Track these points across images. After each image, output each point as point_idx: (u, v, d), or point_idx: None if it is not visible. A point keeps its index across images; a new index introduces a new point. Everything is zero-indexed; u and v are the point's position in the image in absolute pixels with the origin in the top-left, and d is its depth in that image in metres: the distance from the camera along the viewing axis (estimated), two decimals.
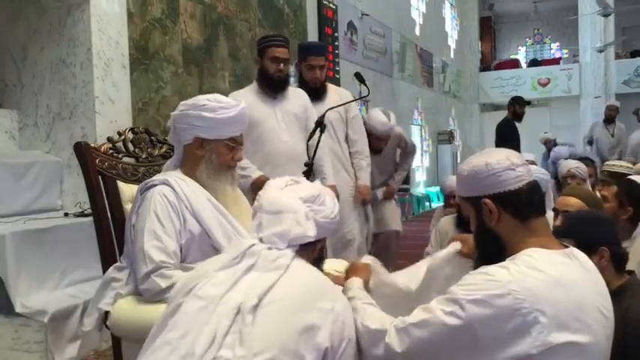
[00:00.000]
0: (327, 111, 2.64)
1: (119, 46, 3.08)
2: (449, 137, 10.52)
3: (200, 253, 1.75)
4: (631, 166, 4.11)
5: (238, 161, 1.84)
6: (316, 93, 3.17)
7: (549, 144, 8.10)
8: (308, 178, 2.51)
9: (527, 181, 1.24)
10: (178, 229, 1.71)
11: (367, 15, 6.92)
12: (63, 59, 2.99)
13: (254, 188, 3.23)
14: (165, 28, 3.48)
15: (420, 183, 9.63)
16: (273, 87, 2.84)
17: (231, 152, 1.81)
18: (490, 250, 1.24)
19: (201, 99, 1.77)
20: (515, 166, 1.23)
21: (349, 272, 1.49)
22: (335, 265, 2.07)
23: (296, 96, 2.93)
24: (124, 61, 3.11)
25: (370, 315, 1.26)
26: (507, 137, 6.51)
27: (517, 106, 6.69)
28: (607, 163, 4.20)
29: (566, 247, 1.23)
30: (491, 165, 1.23)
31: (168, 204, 1.71)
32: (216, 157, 1.79)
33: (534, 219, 1.23)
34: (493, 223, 1.23)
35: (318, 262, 1.35)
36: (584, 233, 1.63)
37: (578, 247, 1.59)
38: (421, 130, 9.74)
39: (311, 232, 1.23)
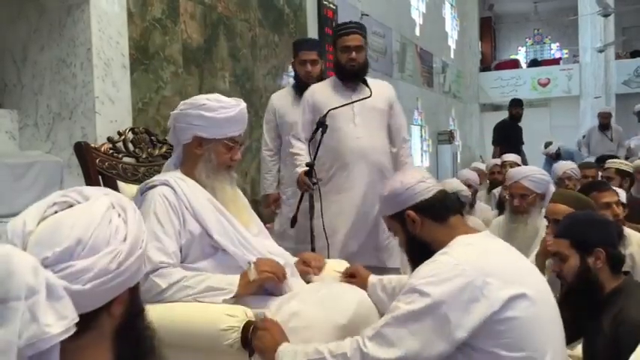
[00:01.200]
0: (329, 111, 2.62)
1: (119, 46, 3.07)
2: (449, 137, 10.51)
3: (201, 253, 1.76)
4: (629, 163, 4.14)
5: (237, 161, 1.84)
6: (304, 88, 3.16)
7: (552, 154, 8.02)
8: (310, 179, 2.51)
9: (437, 190, 1.49)
10: (178, 229, 1.71)
11: (367, 15, 6.92)
12: (63, 59, 2.98)
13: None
14: (165, 28, 3.48)
15: None
16: (346, 78, 2.75)
17: (229, 152, 1.81)
18: (422, 255, 1.42)
19: (201, 98, 1.78)
20: (424, 179, 1.49)
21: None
22: (335, 265, 2.07)
23: (381, 89, 2.82)
24: (124, 61, 3.11)
25: (332, 347, 1.37)
26: (505, 137, 6.68)
27: (512, 108, 6.94)
28: (610, 161, 4.22)
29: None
30: (405, 182, 1.48)
31: (168, 205, 1.71)
32: (214, 157, 1.80)
33: (451, 217, 1.47)
34: (417, 230, 1.46)
35: (125, 331, 0.83)
36: (579, 234, 1.67)
37: (573, 247, 1.64)
38: (421, 130, 9.73)
39: (57, 327, 0.70)
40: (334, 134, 2.73)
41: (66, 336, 0.72)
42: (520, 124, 7.48)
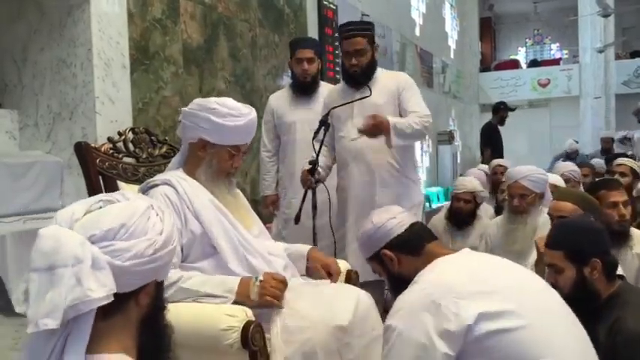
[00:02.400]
0: (332, 109, 2.61)
1: (119, 46, 3.08)
2: (449, 138, 10.51)
3: (201, 252, 1.76)
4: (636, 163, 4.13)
5: (237, 168, 1.84)
6: (307, 88, 3.15)
7: (573, 154, 7.95)
8: (312, 176, 2.50)
9: (408, 223, 1.49)
10: (179, 228, 1.71)
11: (367, 15, 6.92)
12: (63, 59, 2.99)
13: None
14: (165, 28, 3.49)
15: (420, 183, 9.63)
16: (349, 81, 2.75)
17: (231, 159, 1.81)
18: (403, 289, 1.37)
19: (212, 102, 1.77)
20: (395, 215, 1.50)
21: None
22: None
23: (388, 82, 2.72)
24: (125, 61, 3.11)
25: None
26: (495, 140, 6.77)
27: (504, 111, 6.97)
28: (623, 159, 4.19)
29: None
30: (375, 222, 1.50)
31: (169, 204, 1.71)
32: (216, 162, 1.79)
33: (427, 245, 1.45)
34: (396, 268, 1.45)
35: (149, 323, 0.92)
36: (572, 245, 1.63)
37: (568, 259, 1.60)
38: None
39: (99, 292, 0.80)
40: (335, 135, 2.78)
41: (105, 302, 0.81)
42: (519, 124, 7.55)
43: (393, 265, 1.46)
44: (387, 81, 2.71)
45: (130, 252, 0.85)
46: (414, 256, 1.44)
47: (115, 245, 0.85)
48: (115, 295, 0.83)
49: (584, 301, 1.55)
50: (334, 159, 2.88)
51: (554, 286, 1.52)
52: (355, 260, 2.42)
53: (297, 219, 2.52)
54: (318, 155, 2.54)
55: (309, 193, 2.53)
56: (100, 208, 0.90)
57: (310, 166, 2.52)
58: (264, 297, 1.63)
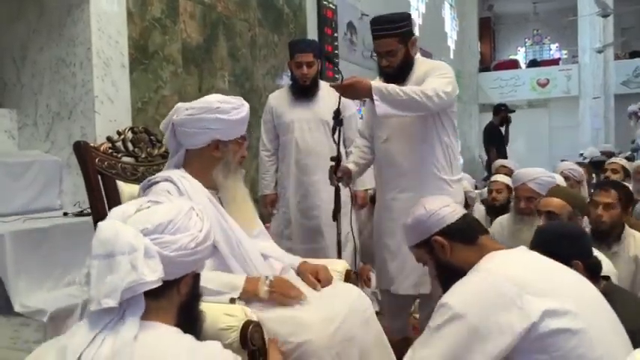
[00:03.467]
0: (339, 104, 2.46)
1: (119, 46, 3.08)
2: None
3: None
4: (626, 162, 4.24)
5: (244, 157, 1.89)
6: (306, 91, 3.15)
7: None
8: (335, 173, 2.43)
9: (461, 213, 1.47)
10: None
11: (367, 15, 6.92)
12: (62, 59, 2.99)
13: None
14: (164, 27, 3.48)
15: None
16: (386, 80, 2.47)
17: (240, 149, 1.85)
18: (452, 279, 1.36)
19: (212, 101, 1.77)
20: (448, 204, 1.48)
21: None
22: (334, 265, 2.07)
23: (418, 77, 2.44)
24: (124, 61, 3.11)
25: None
26: (498, 139, 6.86)
27: (506, 112, 7.07)
28: (612, 159, 4.32)
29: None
30: (428, 208, 1.46)
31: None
32: (231, 157, 1.82)
33: (480, 237, 1.43)
34: (448, 255, 1.42)
35: (187, 309, 1.07)
36: (554, 247, 1.66)
37: None
38: None
39: (151, 276, 0.95)
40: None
41: (156, 285, 0.96)
42: (519, 124, 7.60)
43: (445, 253, 1.43)
44: (419, 74, 2.40)
45: (175, 244, 1.00)
46: (466, 246, 1.41)
47: (163, 238, 1.00)
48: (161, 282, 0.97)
49: None
50: (372, 158, 2.65)
51: None
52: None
53: (335, 216, 2.38)
54: (338, 151, 2.45)
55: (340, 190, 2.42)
56: (149, 207, 1.04)
57: (333, 162, 2.44)
58: (274, 294, 1.65)
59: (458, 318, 1.18)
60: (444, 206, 1.46)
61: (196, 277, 1.08)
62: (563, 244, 1.68)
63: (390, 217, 2.49)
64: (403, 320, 2.67)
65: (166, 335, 0.98)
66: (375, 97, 2.18)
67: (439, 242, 1.43)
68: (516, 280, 1.20)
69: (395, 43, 2.40)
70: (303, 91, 3.15)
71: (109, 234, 0.96)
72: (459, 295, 1.23)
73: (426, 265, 1.51)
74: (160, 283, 0.97)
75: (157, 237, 0.99)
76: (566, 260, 1.60)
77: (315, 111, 3.12)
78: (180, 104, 1.82)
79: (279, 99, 3.28)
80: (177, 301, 1.04)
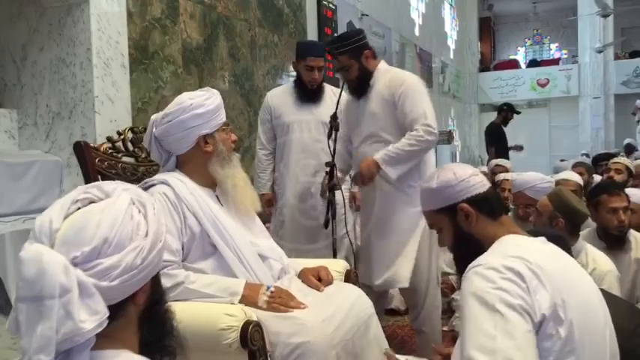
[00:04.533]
0: (337, 108, 2.59)
1: (119, 46, 3.08)
2: (448, 137, 10.53)
3: (202, 252, 1.76)
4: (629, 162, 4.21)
5: (235, 142, 1.90)
6: (312, 94, 3.14)
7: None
8: (331, 181, 2.50)
9: (489, 185, 1.39)
10: (180, 227, 1.72)
11: (367, 15, 6.93)
12: (62, 59, 2.99)
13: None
14: (165, 27, 3.49)
15: None
16: (350, 93, 2.72)
17: (229, 135, 1.86)
18: (469, 251, 1.31)
19: (183, 100, 1.81)
20: (477, 173, 1.40)
21: None
22: (334, 265, 2.08)
23: (382, 91, 2.58)
24: (124, 61, 3.11)
25: None
26: (498, 139, 6.85)
27: (508, 112, 7.07)
28: (615, 159, 4.30)
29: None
30: (458, 173, 1.37)
31: (168, 202, 1.71)
32: (222, 146, 1.83)
33: (503, 215, 1.37)
34: (472, 225, 1.35)
35: (149, 316, 0.90)
36: None
37: None
38: None
39: (91, 322, 0.76)
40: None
41: (99, 330, 0.77)
42: (519, 124, 7.57)
43: (469, 222, 1.35)
44: (382, 89, 2.53)
45: (117, 269, 0.80)
46: (490, 219, 1.35)
47: (100, 265, 0.79)
48: (110, 306, 0.80)
49: None
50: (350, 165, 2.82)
51: None
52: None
53: (326, 224, 2.52)
54: (333, 157, 2.53)
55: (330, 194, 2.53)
56: (78, 209, 0.84)
57: (328, 168, 2.53)
58: (272, 305, 1.64)
59: (480, 302, 1.10)
60: (474, 174, 1.38)
61: (154, 278, 0.90)
62: None
63: (371, 214, 2.63)
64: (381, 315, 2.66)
65: None
66: (383, 167, 2.39)
67: (465, 210, 1.35)
68: (539, 271, 1.13)
69: (346, 60, 2.55)
70: (309, 94, 3.13)
71: (32, 271, 0.76)
72: (479, 280, 1.14)
73: (441, 232, 1.42)
74: (105, 325, 0.78)
75: (92, 265, 0.79)
76: None
77: (316, 113, 3.11)
78: (153, 116, 1.84)
79: (279, 99, 3.22)
80: (135, 312, 0.87)
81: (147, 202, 0.89)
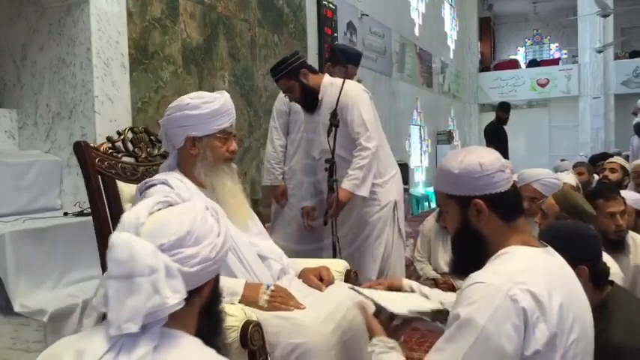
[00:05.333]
0: (336, 106, 2.60)
1: (119, 46, 3.08)
2: (448, 137, 10.53)
3: None
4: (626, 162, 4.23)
5: (234, 152, 1.84)
6: (306, 106, 3.14)
7: None
8: (330, 178, 2.53)
9: (512, 183, 1.28)
10: None
11: (367, 15, 6.93)
12: (62, 59, 2.99)
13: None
14: (164, 27, 3.49)
15: (419, 183, 9.64)
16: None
17: (224, 144, 1.81)
18: (470, 248, 1.27)
19: (185, 99, 1.79)
20: (504, 168, 1.26)
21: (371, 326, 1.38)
22: (334, 265, 2.07)
23: (325, 110, 2.75)
24: (124, 61, 3.11)
25: None
26: (497, 139, 6.86)
27: (501, 112, 7.09)
28: (610, 160, 4.31)
29: (545, 245, 1.28)
30: (485, 166, 1.24)
31: None
32: (210, 153, 1.79)
33: (518, 219, 1.27)
34: (481, 224, 1.25)
35: (208, 311, 1.02)
36: (562, 248, 1.59)
37: None
38: (420, 130, 9.74)
39: (174, 299, 0.89)
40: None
41: (179, 307, 0.89)
42: (519, 124, 7.59)
43: (479, 219, 1.25)
44: (330, 102, 2.65)
45: (196, 258, 0.93)
46: (502, 221, 1.25)
47: (183, 253, 0.92)
48: None
49: None
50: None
51: None
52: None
53: (325, 222, 2.62)
54: (333, 153, 2.57)
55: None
56: (160, 210, 0.97)
57: (328, 165, 2.57)
58: (273, 304, 1.64)
59: (481, 335, 1.10)
60: (500, 170, 1.25)
61: (216, 277, 1.04)
62: (571, 245, 1.56)
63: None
64: None
65: (188, 348, 0.93)
66: (356, 193, 2.60)
67: (479, 206, 1.24)
68: (538, 304, 1.10)
69: (286, 82, 2.71)
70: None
71: (124, 254, 0.88)
72: (475, 304, 1.13)
73: (448, 216, 1.33)
74: (183, 304, 0.90)
75: (176, 252, 0.92)
76: (573, 262, 1.57)
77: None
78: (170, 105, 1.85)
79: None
80: (199, 304, 0.99)
81: (218, 210, 1.03)
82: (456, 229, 1.31)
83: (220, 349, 1.01)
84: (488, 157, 1.26)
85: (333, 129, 2.56)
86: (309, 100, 2.73)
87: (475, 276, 1.16)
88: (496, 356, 1.08)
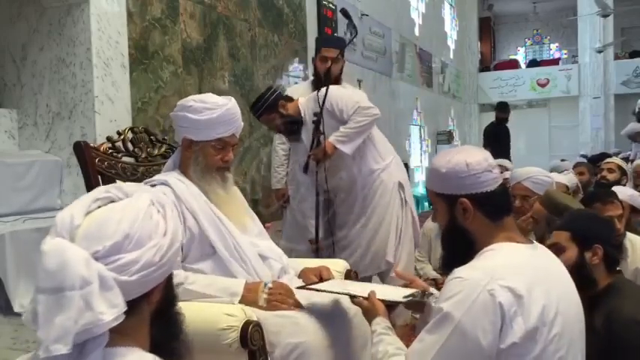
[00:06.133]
0: (321, 111, 2.63)
1: (119, 46, 3.08)
2: (448, 137, 10.53)
3: (200, 253, 1.76)
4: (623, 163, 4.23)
5: (229, 162, 1.82)
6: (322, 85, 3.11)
7: None
8: (317, 131, 2.61)
9: (500, 183, 1.31)
10: (179, 227, 1.71)
11: (367, 15, 6.93)
12: (62, 59, 2.99)
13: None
14: (164, 27, 3.49)
15: (420, 183, 9.64)
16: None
17: (219, 153, 1.79)
18: (458, 245, 1.30)
19: (190, 100, 1.79)
20: (492, 168, 1.29)
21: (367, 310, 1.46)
22: (334, 265, 2.07)
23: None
24: (124, 61, 3.11)
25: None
26: (494, 139, 6.89)
27: (496, 111, 7.11)
28: (608, 160, 4.30)
29: (532, 242, 1.32)
30: (471, 165, 1.27)
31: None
32: (202, 159, 1.79)
33: (505, 218, 1.30)
34: (467, 222, 1.29)
35: (161, 317, 0.91)
36: (581, 227, 1.68)
37: (573, 240, 1.63)
38: (420, 130, 9.74)
39: (110, 314, 0.78)
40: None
41: (116, 323, 0.79)
42: (519, 124, 7.60)
43: (465, 218, 1.28)
44: (309, 123, 2.75)
45: (137, 264, 0.82)
46: (489, 220, 1.28)
47: (121, 260, 0.81)
48: (127, 302, 0.81)
49: (579, 286, 1.55)
50: None
51: None
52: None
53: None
54: (318, 139, 2.67)
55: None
56: (99, 207, 0.86)
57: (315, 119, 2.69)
58: (272, 303, 1.64)
59: (456, 329, 1.14)
60: (487, 170, 1.28)
61: (168, 278, 0.92)
62: (592, 225, 1.69)
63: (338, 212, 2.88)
64: None
65: None
66: (338, 147, 2.63)
67: (464, 205, 1.28)
68: (519, 299, 1.13)
69: (267, 116, 2.78)
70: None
71: (54, 263, 0.78)
72: (455, 298, 1.17)
73: (438, 213, 1.36)
74: (122, 318, 0.79)
75: (112, 260, 0.80)
76: (589, 241, 1.63)
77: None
78: None
79: (299, 95, 3.03)
80: (149, 311, 0.88)
81: (166, 204, 0.91)
82: (444, 227, 1.35)
83: (182, 353, 0.95)
84: (476, 156, 1.29)
85: (320, 126, 2.64)
86: (294, 127, 2.80)
87: (457, 271, 1.20)
88: (471, 349, 1.13)
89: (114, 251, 0.81)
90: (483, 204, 1.27)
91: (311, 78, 3.29)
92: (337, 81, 3.10)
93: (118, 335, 0.82)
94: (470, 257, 1.26)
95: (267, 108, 2.75)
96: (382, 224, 2.81)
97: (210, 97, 1.79)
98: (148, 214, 0.86)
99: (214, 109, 1.75)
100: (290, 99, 2.84)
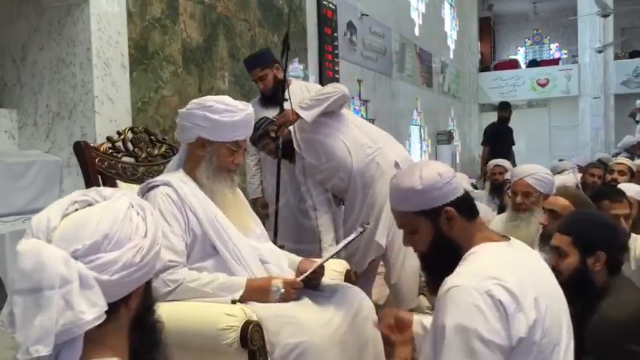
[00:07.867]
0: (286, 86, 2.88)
1: (119, 46, 3.08)
2: (448, 137, 10.53)
3: (203, 253, 1.76)
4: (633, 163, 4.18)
5: (239, 165, 1.85)
6: (269, 101, 3.21)
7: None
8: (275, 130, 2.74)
9: (463, 187, 1.37)
10: (184, 228, 1.72)
11: (367, 15, 6.93)
12: (62, 59, 2.99)
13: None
14: (164, 27, 3.49)
15: None
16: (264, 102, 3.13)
17: (232, 155, 1.82)
18: (447, 257, 1.30)
19: (209, 100, 1.79)
20: (454, 175, 1.35)
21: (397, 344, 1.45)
22: (334, 265, 2.08)
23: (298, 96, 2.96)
24: (124, 61, 3.11)
25: None
26: (494, 138, 6.93)
27: (498, 111, 7.13)
28: (618, 160, 4.24)
29: (508, 239, 1.35)
30: (443, 175, 1.31)
31: (172, 204, 1.72)
32: (216, 159, 1.80)
33: (477, 218, 1.35)
34: (453, 231, 1.31)
35: (139, 324, 0.89)
36: (583, 233, 1.64)
37: (574, 246, 1.61)
38: (420, 130, 9.74)
39: (90, 313, 0.76)
40: None
41: (98, 322, 0.77)
42: (519, 124, 7.58)
43: (450, 227, 1.30)
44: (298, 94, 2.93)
45: (116, 264, 0.80)
46: (468, 221, 1.32)
47: (100, 259, 0.79)
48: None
49: (578, 290, 1.55)
50: None
51: (554, 269, 1.53)
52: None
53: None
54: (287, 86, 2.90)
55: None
56: (77, 210, 0.84)
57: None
58: (290, 291, 1.70)
59: (456, 334, 1.14)
60: (454, 175, 1.34)
61: (147, 283, 0.90)
62: (594, 231, 1.65)
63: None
64: None
65: None
66: (299, 112, 2.74)
67: (449, 214, 1.29)
68: (514, 296, 1.15)
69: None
70: (266, 100, 3.19)
71: (30, 263, 0.77)
72: (453, 308, 1.17)
73: (418, 235, 1.35)
74: (103, 318, 0.78)
75: (92, 259, 0.78)
76: (592, 247, 1.61)
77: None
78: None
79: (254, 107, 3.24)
80: (127, 317, 0.86)
81: (145, 206, 0.89)
82: (429, 245, 1.34)
83: None
84: (441, 167, 1.35)
85: (286, 93, 2.81)
86: (289, 149, 2.88)
87: (449, 281, 1.20)
88: (495, 351, 1.12)
89: (93, 250, 0.79)
90: (462, 208, 1.32)
91: (259, 96, 3.32)
92: (275, 92, 3.10)
93: (97, 345, 0.80)
94: (456, 265, 1.27)
95: (261, 135, 2.82)
96: (383, 210, 2.85)
97: (229, 100, 1.81)
98: (128, 215, 0.85)
99: (235, 112, 1.77)
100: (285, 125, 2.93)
